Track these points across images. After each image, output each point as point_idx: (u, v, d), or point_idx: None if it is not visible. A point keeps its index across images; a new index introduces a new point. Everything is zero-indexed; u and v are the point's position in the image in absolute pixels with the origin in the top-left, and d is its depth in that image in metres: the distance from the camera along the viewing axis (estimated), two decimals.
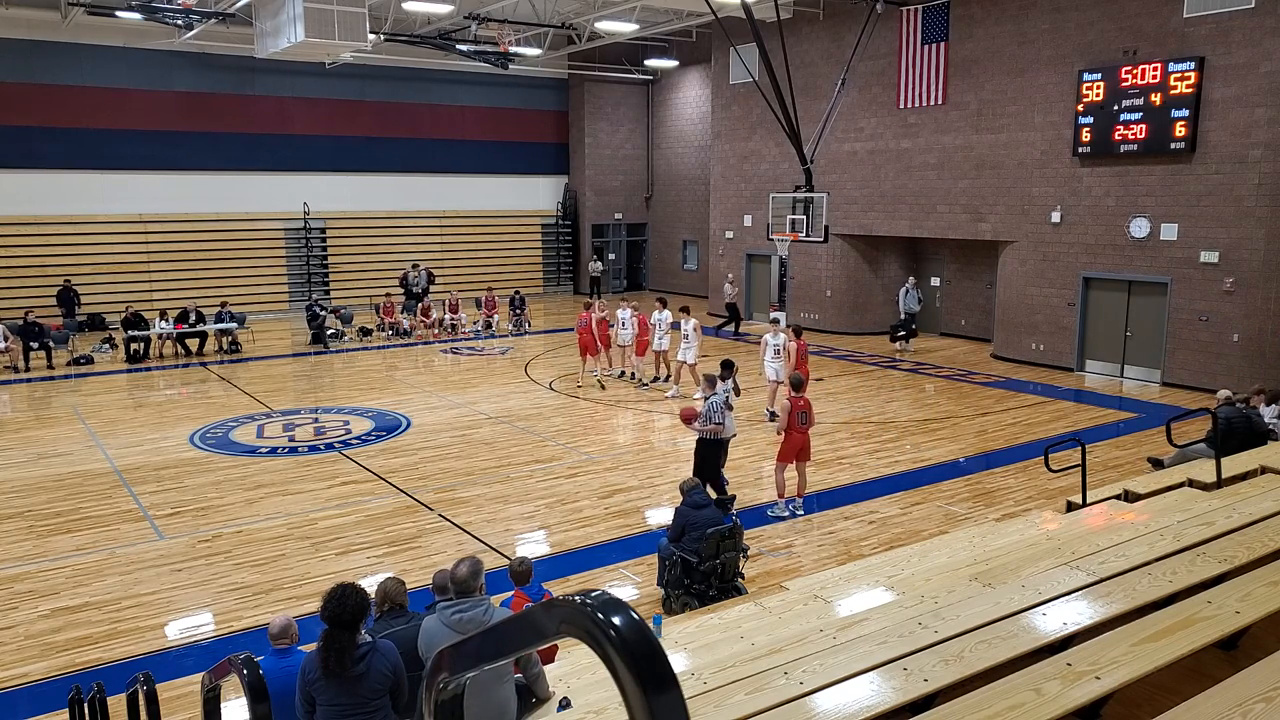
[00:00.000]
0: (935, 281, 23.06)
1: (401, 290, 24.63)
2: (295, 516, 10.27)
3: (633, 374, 17.50)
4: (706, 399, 10.28)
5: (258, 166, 25.49)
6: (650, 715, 1.39)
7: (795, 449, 10.09)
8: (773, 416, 13.63)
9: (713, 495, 9.32)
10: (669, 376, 16.66)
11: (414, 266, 25.24)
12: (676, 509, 8.17)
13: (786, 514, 10.17)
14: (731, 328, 23.11)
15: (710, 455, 10.14)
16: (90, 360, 19.59)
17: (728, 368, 11.38)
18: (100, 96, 23.22)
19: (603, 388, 16.83)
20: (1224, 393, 10.34)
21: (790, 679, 4.02)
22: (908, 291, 20.79)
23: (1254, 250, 15.45)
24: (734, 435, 11.39)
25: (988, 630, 4.37)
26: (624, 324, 17.16)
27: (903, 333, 20.40)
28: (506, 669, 4.43)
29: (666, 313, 16.87)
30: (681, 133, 30.42)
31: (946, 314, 22.67)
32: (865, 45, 20.03)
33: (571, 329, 24.24)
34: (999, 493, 11.03)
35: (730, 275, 24.39)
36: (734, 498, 10.05)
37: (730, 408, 11.07)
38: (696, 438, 10.87)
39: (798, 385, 10.38)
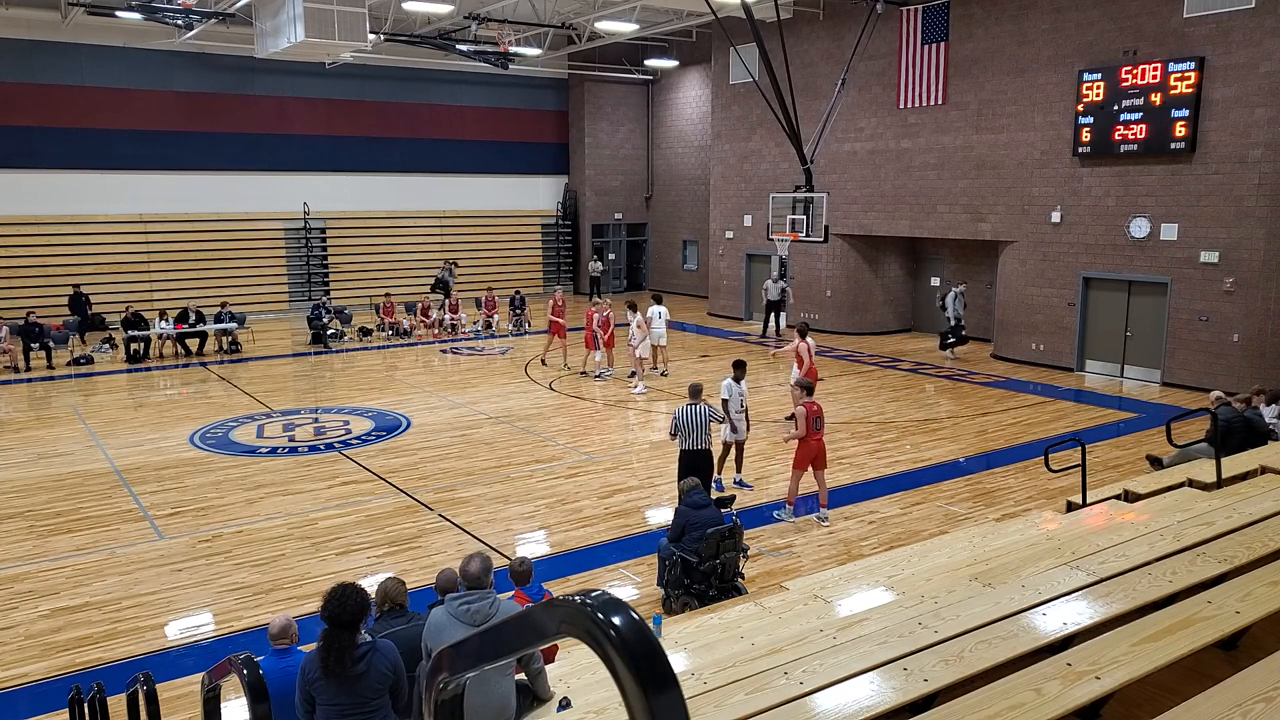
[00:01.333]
0: (935, 281, 23.05)
1: (442, 288, 25.10)
2: (295, 516, 10.27)
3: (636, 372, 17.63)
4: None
5: (258, 166, 25.49)
6: (650, 715, 1.39)
7: (810, 454, 9.93)
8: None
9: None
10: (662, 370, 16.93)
11: (445, 264, 25.84)
12: (676, 509, 8.17)
13: (791, 519, 10.03)
14: (773, 328, 22.63)
15: (682, 462, 9.90)
16: (90, 360, 19.61)
17: (739, 367, 11.10)
18: (100, 96, 23.22)
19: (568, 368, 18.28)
20: (1216, 393, 10.32)
21: (790, 679, 4.03)
22: (956, 296, 19.67)
23: (1254, 250, 15.45)
24: (744, 439, 11.26)
25: (988, 630, 4.37)
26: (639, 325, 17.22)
27: (952, 340, 19.63)
28: (508, 666, 4.44)
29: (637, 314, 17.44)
30: (681, 133, 30.42)
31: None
32: (865, 45, 20.03)
33: (572, 329, 24.27)
34: (999, 493, 11.03)
35: (774, 274, 22.97)
36: (733, 497, 10.02)
37: (742, 409, 10.98)
38: (722, 441, 10.83)
39: (809, 390, 10.17)
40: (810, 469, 10.02)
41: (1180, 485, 7.61)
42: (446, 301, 23.93)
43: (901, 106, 20.90)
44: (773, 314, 22.68)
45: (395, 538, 9.64)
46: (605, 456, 12.65)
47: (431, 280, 25.46)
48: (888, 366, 19.10)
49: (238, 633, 7.60)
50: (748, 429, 11.18)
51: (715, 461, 10.46)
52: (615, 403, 15.91)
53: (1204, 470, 7.71)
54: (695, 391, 10.16)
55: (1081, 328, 18.14)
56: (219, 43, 23.12)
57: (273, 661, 4.78)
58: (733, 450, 11.17)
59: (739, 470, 11.28)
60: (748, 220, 25.02)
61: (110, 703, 5.34)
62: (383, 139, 27.27)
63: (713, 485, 10.31)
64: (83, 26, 22.09)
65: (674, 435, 9.90)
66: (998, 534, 7.02)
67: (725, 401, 10.80)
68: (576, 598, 1.56)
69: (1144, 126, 16.42)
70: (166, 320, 20.65)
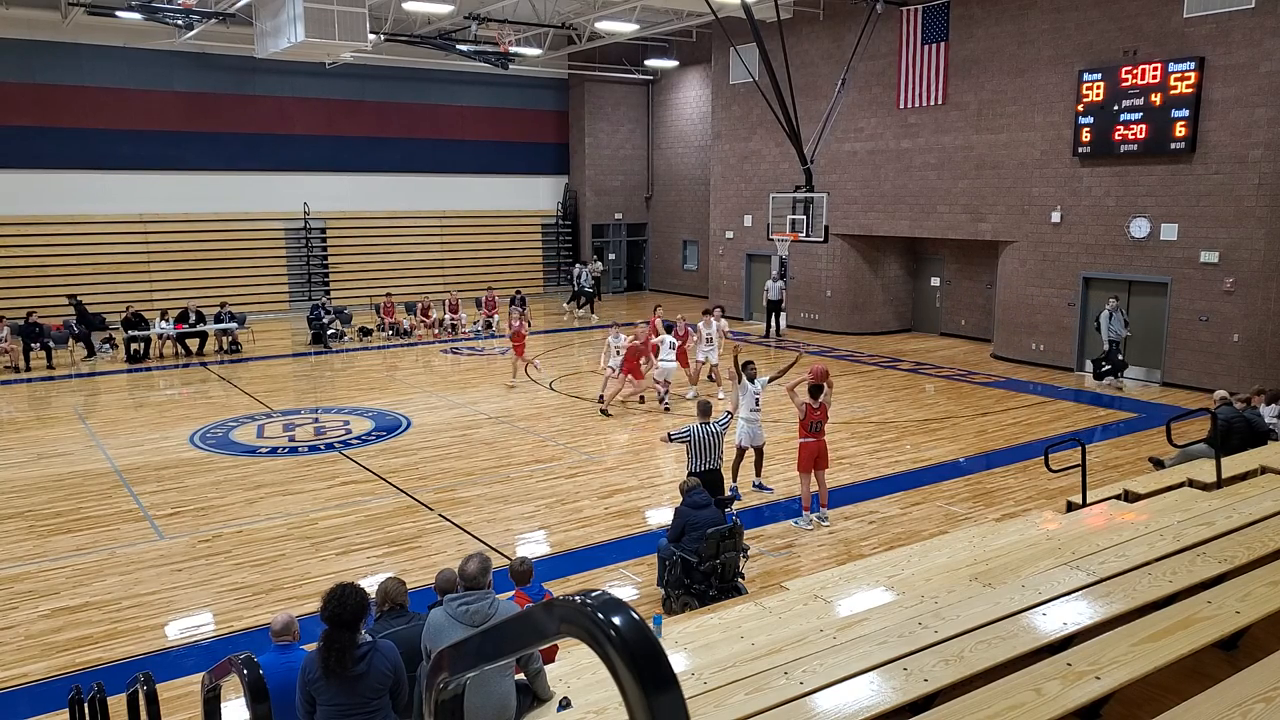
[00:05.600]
0: (935, 281, 23.05)
1: (574, 287, 26.50)
2: (295, 516, 10.27)
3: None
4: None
5: (258, 166, 25.48)
6: (650, 715, 1.39)
7: (812, 456, 9.85)
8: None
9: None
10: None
11: (583, 263, 27.08)
12: (676, 509, 8.15)
13: (809, 526, 9.90)
14: (774, 327, 22.51)
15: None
16: (91, 354, 19.87)
17: (749, 367, 11.01)
18: (100, 96, 23.21)
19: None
20: (1221, 393, 10.33)
21: (790, 679, 4.03)
22: (1110, 315, 16.75)
23: (1254, 250, 15.44)
24: (762, 444, 11.05)
25: (988, 630, 4.37)
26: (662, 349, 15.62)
27: (1108, 366, 16.96)
28: (507, 666, 4.44)
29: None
30: (681, 133, 30.42)
31: (946, 314, 22.67)
32: (865, 45, 20.02)
33: (572, 329, 24.27)
34: (999, 493, 11.03)
35: (773, 273, 22.53)
36: (734, 498, 10.01)
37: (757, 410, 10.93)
38: (737, 445, 10.73)
39: (816, 393, 10.02)
40: (814, 469, 9.95)
41: (1180, 485, 7.61)
42: (445, 301, 23.88)
43: (901, 106, 20.90)
44: (773, 314, 22.71)
45: (395, 538, 9.64)
46: (605, 456, 12.65)
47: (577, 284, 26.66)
48: (888, 366, 19.10)
49: (238, 633, 7.60)
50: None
51: (724, 474, 10.13)
52: (615, 403, 15.88)
53: (1204, 470, 7.71)
54: (705, 409, 9.65)
55: (1081, 328, 18.13)
56: (219, 43, 23.11)
57: (274, 657, 4.79)
58: (748, 454, 10.96)
59: (758, 474, 11.14)
60: (748, 220, 25.02)
61: (110, 703, 5.34)
62: (383, 139, 27.27)
63: (730, 493, 10.09)
64: (83, 26, 22.09)
65: (672, 440, 9.43)
66: (998, 534, 7.02)
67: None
68: (576, 598, 1.56)
69: (1144, 126, 16.42)
70: (167, 320, 20.66)
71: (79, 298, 21.45)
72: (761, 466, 11.18)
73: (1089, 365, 17.71)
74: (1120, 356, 16.94)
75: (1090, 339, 18.07)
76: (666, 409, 15.17)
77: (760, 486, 11.06)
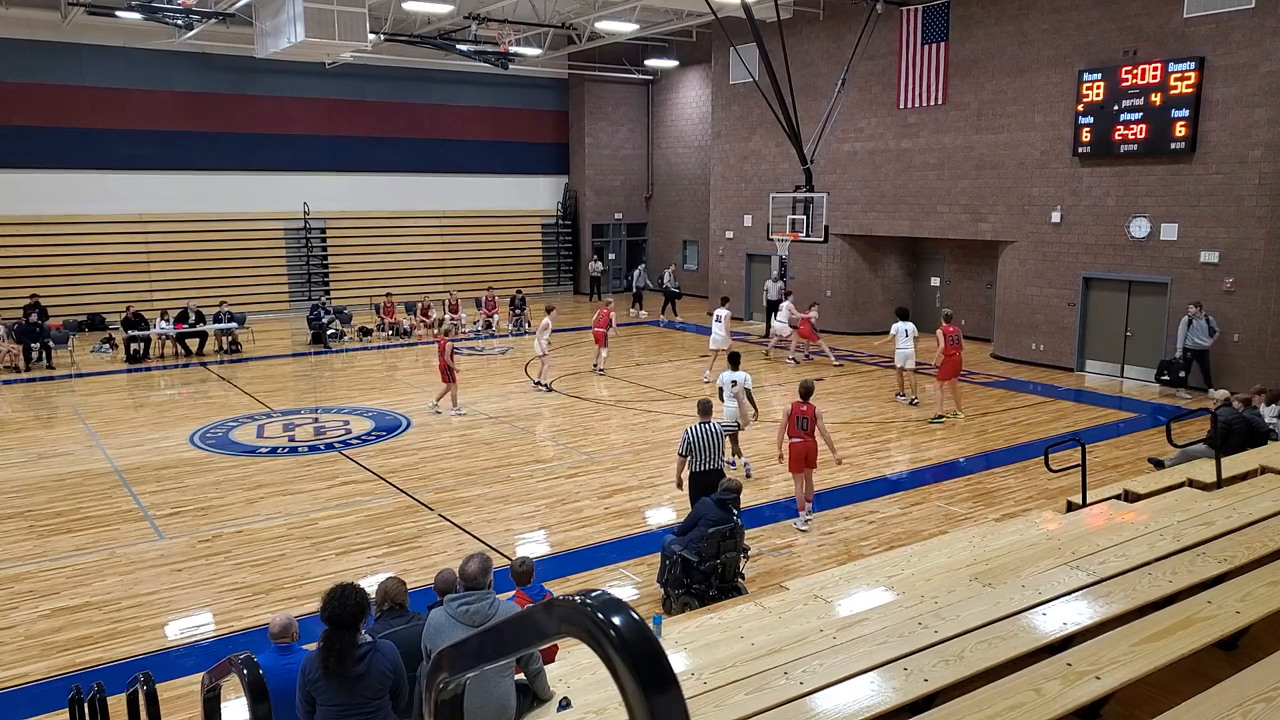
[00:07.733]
0: (935, 281, 23.04)
1: (632, 290, 27.47)
2: (295, 516, 10.27)
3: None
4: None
5: (258, 166, 25.48)
6: (650, 715, 1.39)
7: (801, 456, 9.82)
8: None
9: None
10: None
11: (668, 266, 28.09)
12: (701, 499, 8.14)
13: (805, 526, 9.89)
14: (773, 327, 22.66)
15: (694, 484, 9.11)
16: (32, 362, 19.14)
17: (734, 360, 11.73)
18: (100, 96, 23.21)
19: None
20: (1222, 392, 10.32)
21: (790, 679, 4.03)
22: (1191, 321, 15.33)
23: (1254, 250, 15.44)
24: (744, 427, 11.54)
25: (988, 630, 4.37)
26: (718, 320, 17.37)
27: (1183, 374, 15.55)
28: (507, 666, 4.44)
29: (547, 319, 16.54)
30: (681, 133, 30.41)
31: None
32: (865, 45, 20.02)
33: (571, 329, 24.26)
34: (999, 493, 11.02)
35: (773, 273, 22.21)
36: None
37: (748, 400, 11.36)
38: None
39: (806, 393, 10.03)
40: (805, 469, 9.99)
41: (1180, 485, 7.61)
42: (445, 301, 23.88)
43: (901, 106, 20.90)
44: (773, 314, 22.66)
45: (395, 538, 9.64)
46: (605, 456, 12.65)
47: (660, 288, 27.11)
48: (888, 366, 19.04)
49: (238, 633, 7.60)
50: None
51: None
52: (615, 403, 15.90)
53: (1204, 470, 7.71)
54: (705, 409, 9.53)
55: (1081, 328, 18.14)
56: (219, 43, 23.12)
57: (274, 658, 4.78)
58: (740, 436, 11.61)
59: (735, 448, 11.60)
60: (748, 220, 25.02)
61: (110, 703, 5.34)
62: (383, 139, 27.27)
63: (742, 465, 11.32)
64: (83, 26, 22.09)
65: (685, 455, 9.14)
66: (998, 534, 7.02)
67: (748, 391, 11.44)
68: (576, 598, 1.56)
69: (1144, 126, 16.42)
70: (166, 320, 20.65)
71: (38, 299, 20.23)
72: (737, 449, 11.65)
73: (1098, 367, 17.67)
74: (1193, 364, 15.51)
75: (1091, 338, 18.08)
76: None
77: (733, 464, 11.41)
